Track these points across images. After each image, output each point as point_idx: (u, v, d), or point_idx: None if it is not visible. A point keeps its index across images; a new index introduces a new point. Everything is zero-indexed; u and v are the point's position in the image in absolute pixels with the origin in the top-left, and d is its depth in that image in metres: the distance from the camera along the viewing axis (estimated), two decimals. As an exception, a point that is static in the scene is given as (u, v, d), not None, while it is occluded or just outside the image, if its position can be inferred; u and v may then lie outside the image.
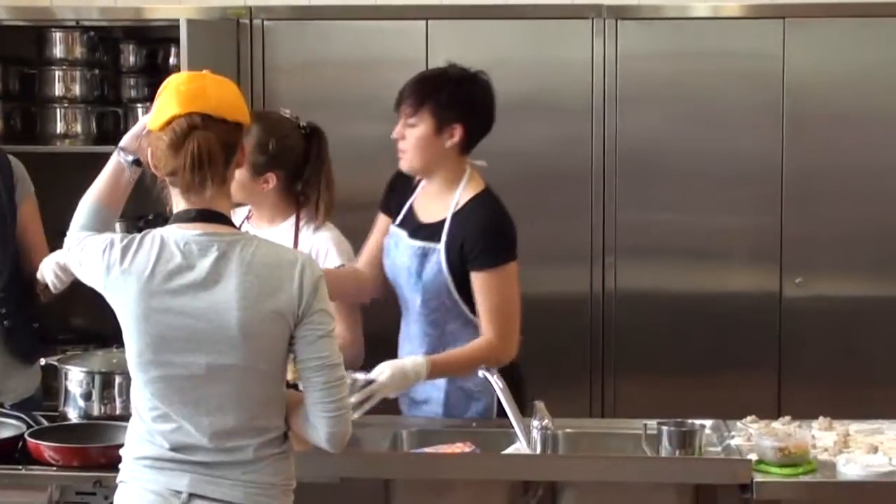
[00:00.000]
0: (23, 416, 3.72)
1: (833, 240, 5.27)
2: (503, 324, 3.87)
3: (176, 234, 2.99)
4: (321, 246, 4.16)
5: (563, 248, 5.32)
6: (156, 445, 3.02)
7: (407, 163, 3.94)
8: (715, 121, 5.29)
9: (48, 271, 3.72)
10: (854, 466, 3.44)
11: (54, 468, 3.48)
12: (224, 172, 3.02)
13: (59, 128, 5.22)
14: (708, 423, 3.75)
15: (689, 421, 3.64)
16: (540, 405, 3.63)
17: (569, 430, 3.81)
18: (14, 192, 4.18)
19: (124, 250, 3.00)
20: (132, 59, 5.46)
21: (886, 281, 5.32)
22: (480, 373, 3.71)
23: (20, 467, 3.50)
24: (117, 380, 3.80)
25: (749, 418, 3.85)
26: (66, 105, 5.23)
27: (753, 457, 3.48)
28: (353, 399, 3.56)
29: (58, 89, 5.23)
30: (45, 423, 3.72)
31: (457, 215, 3.91)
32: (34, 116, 5.32)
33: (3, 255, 4.13)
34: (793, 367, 5.30)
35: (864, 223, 5.27)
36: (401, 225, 4.05)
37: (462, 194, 3.94)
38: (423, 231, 3.97)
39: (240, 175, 3.42)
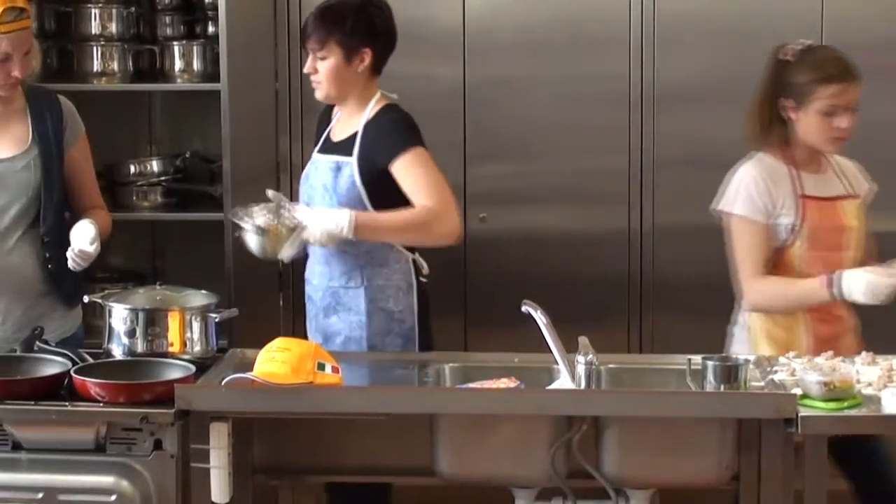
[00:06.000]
0: (68, 353, 3.74)
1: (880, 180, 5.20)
2: (437, 194, 3.95)
3: None
4: None
5: (602, 184, 5.29)
6: None
7: (322, 93, 4.11)
8: (754, 57, 5.22)
9: (69, 258, 3.97)
10: (899, 400, 3.43)
11: (101, 404, 3.50)
12: None
13: (96, 66, 5.20)
14: (751, 357, 3.74)
15: (734, 356, 3.64)
16: (584, 340, 3.62)
17: (612, 366, 3.81)
18: (63, 134, 4.16)
19: None
20: (168, -4, 5.44)
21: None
22: (524, 308, 3.69)
23: (66, 404, 3.53)
24: (160, 317, 3.81)
25: (792, 353, 3.85)
26: (102, 43, 5.20)
27: (797, 391, 3.48)
28: (286, 250, 3.89)
29: (94, 27, 5.20)
30: (90, 360, 3.74)
31: (367, 126, 4.05)
32: (71, 54, 5.29)
33: (49, 201, 4.09)
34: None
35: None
36: (319, 151, 4.19)
37: (371, 111, 4.07)
38: (337, 148, 4.10)
39: None
